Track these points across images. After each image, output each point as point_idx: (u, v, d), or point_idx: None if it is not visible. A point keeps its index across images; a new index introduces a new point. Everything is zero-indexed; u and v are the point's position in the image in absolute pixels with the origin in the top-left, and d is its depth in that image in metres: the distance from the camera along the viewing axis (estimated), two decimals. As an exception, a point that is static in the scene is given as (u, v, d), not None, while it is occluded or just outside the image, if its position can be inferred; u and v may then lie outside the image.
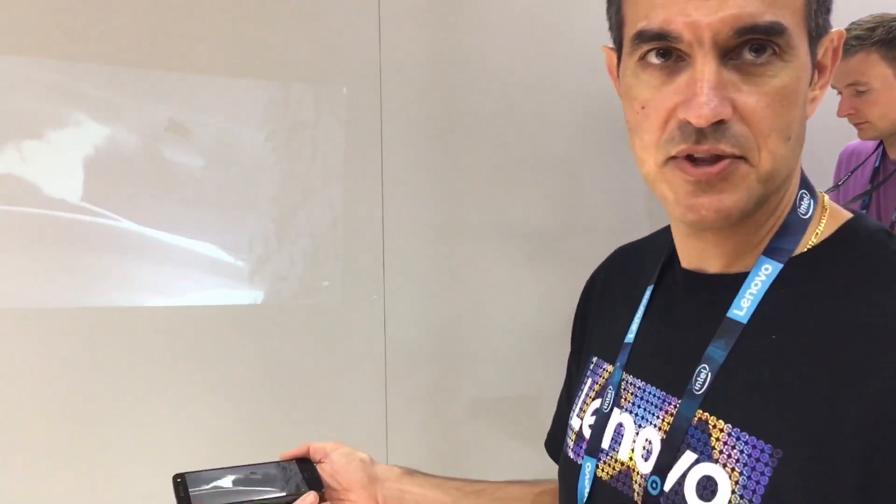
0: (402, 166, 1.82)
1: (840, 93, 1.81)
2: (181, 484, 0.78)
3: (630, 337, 0.72)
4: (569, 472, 0.75)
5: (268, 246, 1.71)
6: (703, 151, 0.58)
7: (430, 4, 1.84)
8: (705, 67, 0.57)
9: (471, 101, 1.88)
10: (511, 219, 1.92)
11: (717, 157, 0.58)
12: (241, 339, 1.70)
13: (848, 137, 2.00)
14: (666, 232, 0.75)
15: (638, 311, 0.73)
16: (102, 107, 1.58)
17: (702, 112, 0.56)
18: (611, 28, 0.67)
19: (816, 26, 0.61)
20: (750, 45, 0.57)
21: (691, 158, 0.59)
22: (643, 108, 0.61)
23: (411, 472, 0.90)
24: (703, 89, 0.57)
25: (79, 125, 1.58)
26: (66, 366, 1.57)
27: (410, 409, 1.83)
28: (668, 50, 0.59)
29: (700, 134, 0.58)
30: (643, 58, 0.61)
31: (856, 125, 1.84)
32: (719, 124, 0.57)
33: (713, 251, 0.67)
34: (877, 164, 1.93)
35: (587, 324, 0.84)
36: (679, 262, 0.71)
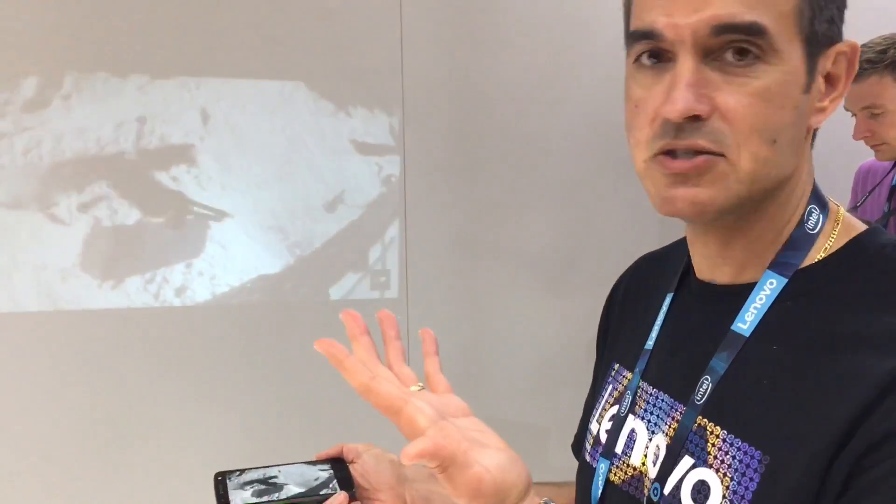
0: (423, 190, 1.82)
1: (854, 115, 1.83)
2: (221, 482, 0.82)
3: (650, 344, 0.74)
4: (584, 474, 0.78)
5: (289, 277, 1.73)
6: (683, 146, 0.60)
7: (451, 27, 1.86)
8: (684, 66, 0.59)
9: (491, 123, 1.89)
10: (530, 241, 1.92)
11: (697, 154, 0.60)
12: (275, 337, 1.71)
13: (863, 156, 2.01)
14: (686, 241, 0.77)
15: (658, 319, 0.75)
16: (124, 110, 1.61)
17: (675, 107, 0.58)
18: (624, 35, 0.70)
19: (814, 34, 0.60)
20: (732, 46, 0.58)
21: (672, 154, 0.61)
22: (636, 107, 0.63)
23: None
24: (678, 85, 0.58)
25: (103, 126, 1.61)
26: (85, 367, 1.59)
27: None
28: (658, 51, 0.61)
29: (679, 129, 0.59)
30: (638, 59, 0.63)
31: (873, 147, 1.86)
32: (696, 121, 0.58)
33: (720, 262, 0.69)
34: (893, 182, 1.94)
35: (610, 331, 0.86)
36: (694, 272, 0.73)
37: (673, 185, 0.62)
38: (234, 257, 1.71)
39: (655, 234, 2.04)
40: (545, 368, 1.93)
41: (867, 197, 2.00)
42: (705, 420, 0.64)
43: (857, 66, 0.64)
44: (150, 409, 1.64)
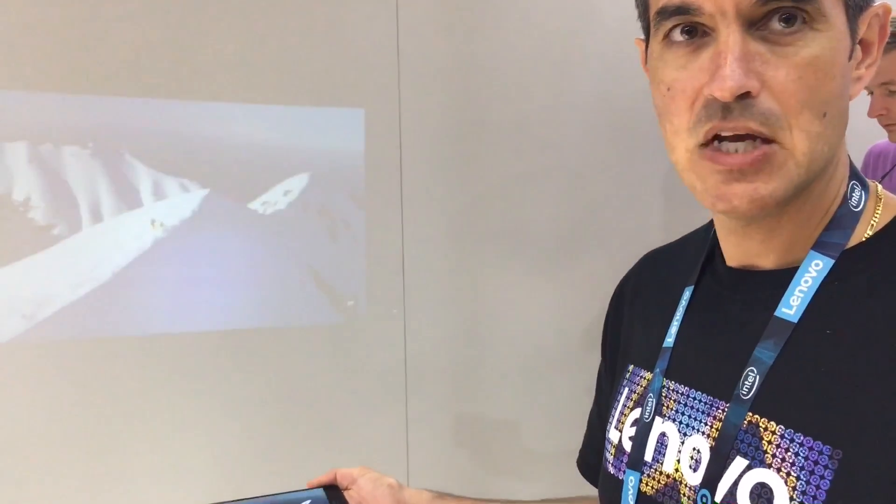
0: (420, 181, 1.79)
1: (871, 93, 1.76)
2: None
3: (669, 341, 0.68)
4: (610, 489, 0.70)
5: (288, 266, 1.69)
6: (730, 129, 0.55)
7: (449, 11, 1.82)
8: (729, 38, 0.54)
9: (488, 112, 1.86)
10: (529, 229, 1.89)
11: (746, 138, 0.55)
12: (260, 361, 1.67)
13: (873, 137, 1.95)
14: (703, 231, 0.72)
15: (677, 314, 0.69)
16: (126, 135, 1.56)
17: (725, 84, 0.53)
18: (639, 17, 0.65)
19: None
20: (778, 14, 0.54)
21: (719, 140, 0.56)
22: (668, 89, 0.58)
23: (441, 496, 0.87)
24: (726, 60, 0.54)
25: (106, 151, 1.55)
26: (91, 393, 1.55)
27: (431, 425, 1.80)
28: (692, 26, 0.56)
29: (726, 110, 0.55)
30: (667, 36, 0.58)
31: (886, 126, 1.79)
32: (746, 99, 0.54)
33: (759, 248, 0.63)
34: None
35: (619, 333, 0.80)
36: (722, 261, 0.67)
37: (727, 182, 0.57)
38: (226, 267, 1.65)
39: (656, 224, 1.98)
40: (541, 359, 1.90)
41: (881, 181, 1.93)
42: (756, 416, 0.58)
43: (888, 31, 0.61)
44: (162, 432, 1.59)
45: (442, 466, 1.79)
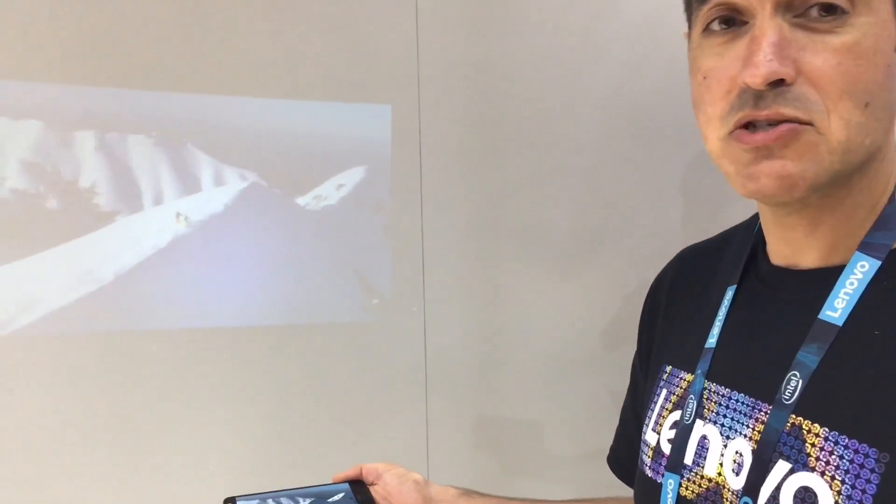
0: (440, 178, 1.78)
1: None
2: None
3: (712, 342, 0.66)
4: (647, 492, 0.69)
5: (310, 264, 1.67)
6: (763, 117, 0.54)
7: (468, 6, 1.80)
8: (764, 23, 0.53)
9: (510, 106, 1.84)
10: (549, 227, 1.87)
11: (780, 125, 0.54)
12: (280, 359, 1.66)
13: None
14: (745, 228, 0.70)
15: (719, 314, 0.67)
16: (145, 130, 1.56)
17: (758, 71, 0.52)
18: (684, 10, 0.63)
19: None
20: (819, 2, 0.52)
21: (751, 127, 0.55)
22: (705, 78, 0.57)
23: (468, 493, 0.86)
24: (759, 46, 0.52)
25: (128, 147, 1.56)
26: (106, 389, 1.54)
27: (451, 424, 1.78)
28: (730, 16, 0.56)
29: (759, 98, 0.53)
30: (707, 27, 0.57)
31: None
32: (780, 86, 0.53)
33: (804, 243, 0.61)
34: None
35: (654, 331, 0.78)
36: (766, 259, 0.65)
37: (755, 161, 0.55)
38: (260, 262, 1.64)
39: (676, 222, 1.96)
40: (562, 358, 1.88)
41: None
42: (800, 418, 0.56)
43: None
44: (182, 428, 1.58)
45: (462, 466, 1.77)
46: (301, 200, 1.68)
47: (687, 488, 0.64)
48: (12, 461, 1.50)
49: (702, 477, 0.63)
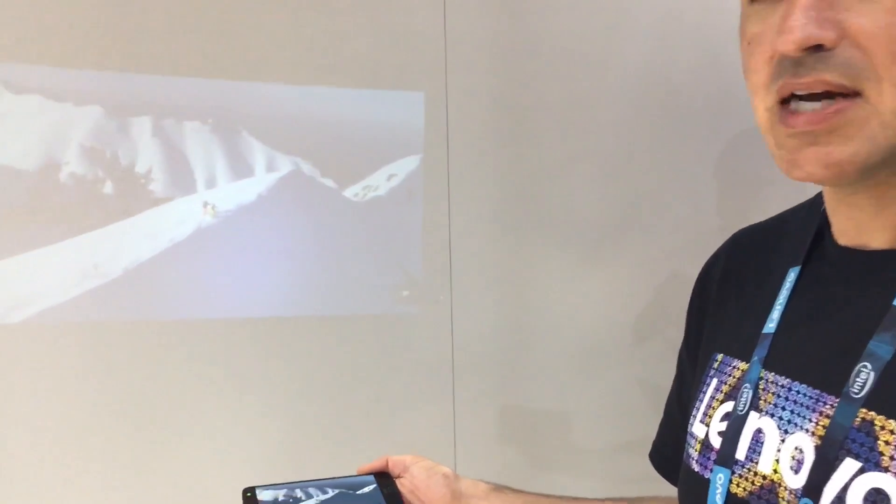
0: (467, 166, 1.74)
1: None
2: (251, 498, 0.74)
3: (771, 326, 0.61)
4: (694, 488, 0.64)
5: (336, 255, 1.66)
6: (804, 85, 0.49)
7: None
8: None
9: (537, 89, 1.80)
10: (577, 214, 1.83)
11: (823, 97, 0.49)
12: (306, 349, 1.64)
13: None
14: (808, 207, 0.65)
15: (779, 297, 0.62)
16: (172, 116, 1.56)
17: (791, 37, 0.48)
18: None
19: None
20: None
21: (797, 100, 0.50)
22: (749, 44, 0.54)
23: (500, 489, 0.82)
24: (793, 9, 0.48)
25: (154, 132, 1.55)
26: (130, 379, 1.54)
27: (479, 417, 1.75)
28: None
29: (799, 64, 0.49)
30: None
31: None
32: (820, 51, 0.48)
33: (871, 222, 0.56)
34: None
35: (704, 319, 0.73)
36: (832, 239, 0.60)
37: (799, 147, 0.51)
38: (265, 252, 1.63)
39: (710, 208, 1.90)
40: (591, 350, 1.83)
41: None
42: (872, 413, 0.51)
43: None
44: (206, 418, 1.58)
45: (490, 459, 1.74)
46: (348, 192, 1.67)
47: (738, 485, 0.59)
48: (38, 448, 1.49)
49: (755, 473, 0.58)
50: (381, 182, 1.69)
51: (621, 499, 0.83)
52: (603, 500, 0.82)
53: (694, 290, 0.76)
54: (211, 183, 1.59)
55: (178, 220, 1.57)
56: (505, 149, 1.78)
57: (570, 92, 1.81)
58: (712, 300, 0.72)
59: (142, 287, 1.54)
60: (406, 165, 1.71)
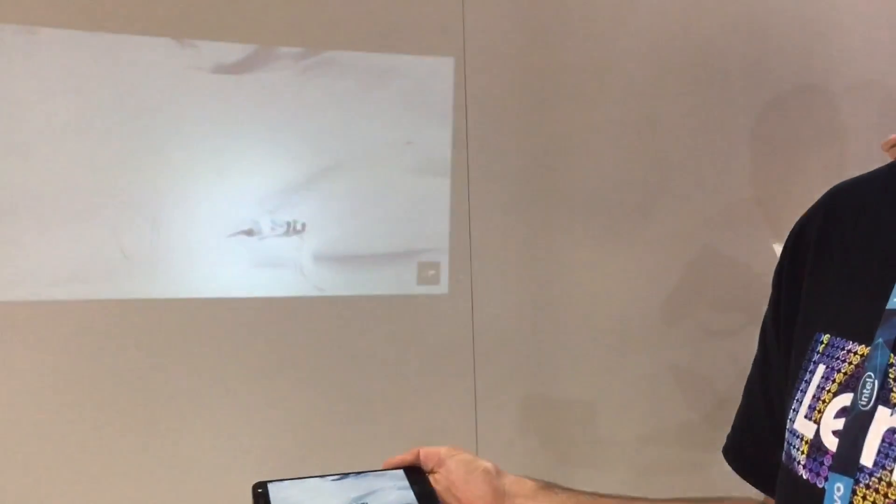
0: (487, 138, 1.65)
1: None
2: (262, 495, 0.65)
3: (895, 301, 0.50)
4: (802, 498, 0.53)
5: (357, 234, 1.61)
6: None
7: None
8: None
9: (559, 58, 1.72)
10: (602, 186, 1.75)
11: None
12: (324, 331, 1.59)
13: None
14: None
15: None
16: (187, 82, 1.52)
17: None
18: None
19: None
20: None
21: None
22: None
23: (549, 487, 0.73)
24: None
25: (167, 107, 1.52)
26: (136, 358, 1.50)
27: (500, 404, 1.68)
28: None
29: None
30: None
31: None
32: None
33: None
34: None
35: (798, 290, 0.61)
36: None
37: None
38: (302, 245, 1.60)
39: (744, 177, 1.79)
40: (618, 332, 1.75)
41: None
42: None
43: None
44: (218, 404, 1.54)
45: (512, 448, 1.67)
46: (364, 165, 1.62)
47: (865, 497, 0.49)
48: (56, 424, 1.44)
49: (889, 484, 0.48)
50: (398, 154, 1.63)
51: (692, 499, 0.73)
52: (672, 500, 0.72)
53: (783, 253, 0.64)
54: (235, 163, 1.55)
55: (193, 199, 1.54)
56: (526, 117, 1.69)
57: (593, 53, 1.73)
58: (807, 267, 0.61)
59: (150, 266, 1.51)
60: (426, 135, 1.64)
